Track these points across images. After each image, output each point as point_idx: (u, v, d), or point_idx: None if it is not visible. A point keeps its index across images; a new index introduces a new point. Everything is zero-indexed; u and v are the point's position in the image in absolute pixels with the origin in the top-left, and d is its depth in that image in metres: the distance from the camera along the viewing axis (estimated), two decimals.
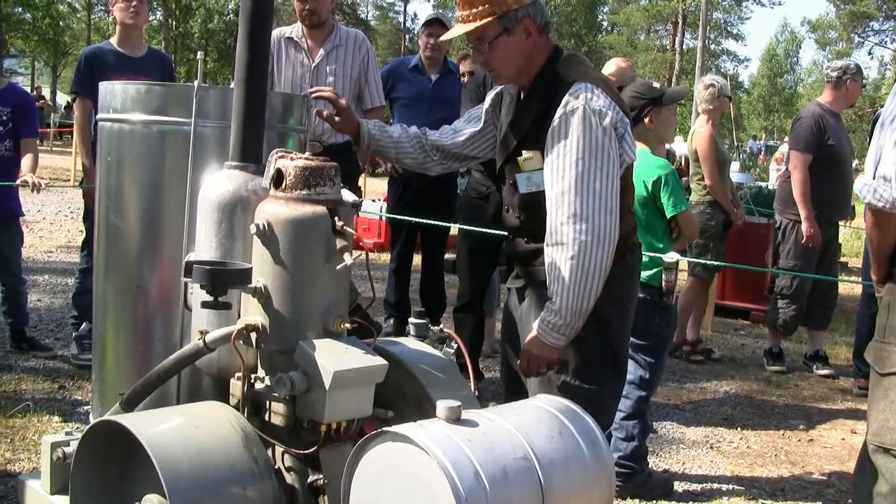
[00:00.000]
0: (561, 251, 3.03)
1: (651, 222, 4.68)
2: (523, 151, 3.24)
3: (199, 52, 3.39)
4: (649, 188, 4.62)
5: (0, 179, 6.06)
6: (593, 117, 3.03)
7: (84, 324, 6.26)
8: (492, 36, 3.20)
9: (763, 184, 13.20)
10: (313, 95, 3.49)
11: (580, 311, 3.07)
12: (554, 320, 3.09)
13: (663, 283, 4.50)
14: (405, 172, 6.36)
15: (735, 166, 14.17)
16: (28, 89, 41.21)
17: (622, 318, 3.35)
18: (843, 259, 12.98)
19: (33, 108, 6.51)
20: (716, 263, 7.46)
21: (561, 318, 3.08)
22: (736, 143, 28.42)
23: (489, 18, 3.16)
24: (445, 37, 3.61)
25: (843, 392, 7.18)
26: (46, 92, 49.46)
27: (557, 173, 3.04)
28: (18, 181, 5.91)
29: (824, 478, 5.28)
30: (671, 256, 4.50)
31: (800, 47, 73.24)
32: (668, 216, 4.64)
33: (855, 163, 8.11)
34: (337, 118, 3.47)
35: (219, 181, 2.88)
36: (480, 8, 3.16)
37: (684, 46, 51.00)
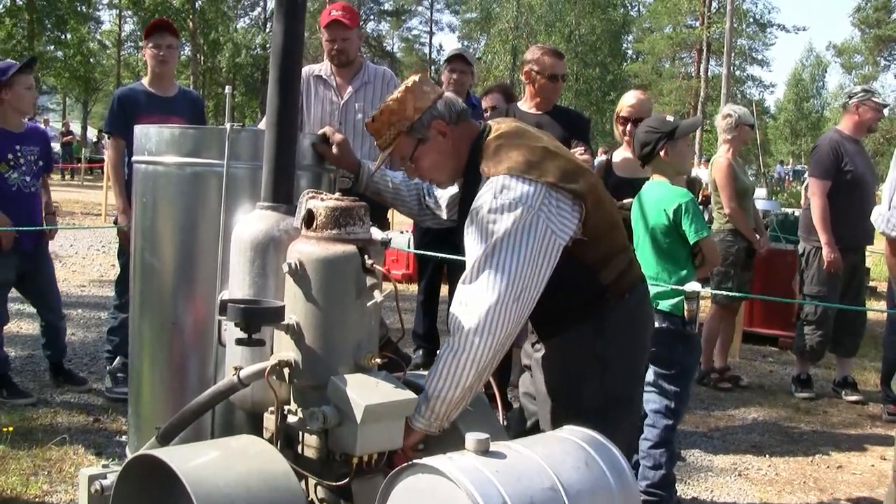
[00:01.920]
0: (449, 337, 2.94)
1: (674, 250, 4.71)
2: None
3: (227, 87, 3.44)
4: (671, 217, 4.66)
5: (30, 214, 6.23)
6: (497, 214, 2.91)
7: (118, 358, 6.35)
8: (409, 151, 3.20)
9: (789, 210, 13.18)
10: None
11: (446, 400, 2.89)
12: (420, 399, 2.89)
13: (686, 312, 4.53)
14: None
15: (761, 192, 14.15)
16: (58, 125, 41.75)
17: (625, 363, 3.24)
18: (872, 284, 12.92)
19: (50, 143, 6.67)
20: (730, 294, 7.44)
21: (426, 403, 2.91)
22: (763, 169, 28.38)
23: (398, 136, 3.17)
24: (376, 165, 3.48)
25: (872, 418, 7.15)
26: (76, 127, 49.95)
27: (467, 267, 2.96)
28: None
29: None
30: (692, 286, 4.53)
31: (826, 72, 72.91)
32: (692, 242, 4.68)
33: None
34: (334, 150, 3.43)
35: (251, 221, 2.96)
36: (388, 132, 3.17)
37: (709, 73, 50.87)
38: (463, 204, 3.19)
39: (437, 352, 2.98)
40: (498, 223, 2.90)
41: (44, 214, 6.41)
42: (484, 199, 2.96)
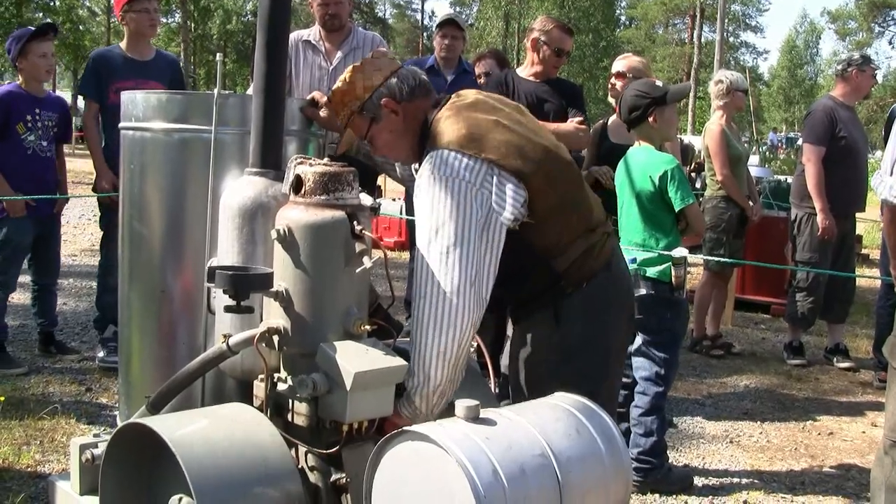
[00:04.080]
0: (412, 331, 2.88)
1: (659, 217, 4.71)
2: None
3: (218, 55, 3.42)
4: (656, 183, 4.66)
5: (44, 180, 6.26)
6: (436, 189, 2.85)
7: (109, 326, 6.34)
8: (364, 130, 3.15)
9: (782, 177, 13.18)
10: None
11: (425, 395, 2.85)
12: (405, 393, 2.89)
13: (673, 278, 4.53)
14: None
15: (755, 160, 14.14)
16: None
17: (591, 353, 3.12)
18: (864, 251, 12.94)
19: (70, 114, 6.66)
20: (722, 261, 7.45)
21: (406, 397, 2.88)
22: (756, 136, 28.36)
23: (352, 116, 3.13)
24: (339, 147, 3.43)
25: (863, 385, 7.17)
26: (67, 96, 49.69)
27: (416, 251, 2.89)
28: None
29: (844, 471, 5.28)
30: (679, 252, 4.53)
31: (820, 38, 72.76)
32: (677, 209, 4.67)
33: (878, 154, 8.07)
34: (323, 114, 3.40)
35: (239, 187, 2.94)
36: (343, 111, 3.13)
37: (703, 40, 50.79)
38: None
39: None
40: (437, 201, 2.83)
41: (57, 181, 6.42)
42: (422, 174, 2.90)
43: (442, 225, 2.81)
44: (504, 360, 4.14)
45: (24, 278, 6.72)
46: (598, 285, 3.11)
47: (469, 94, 3.17)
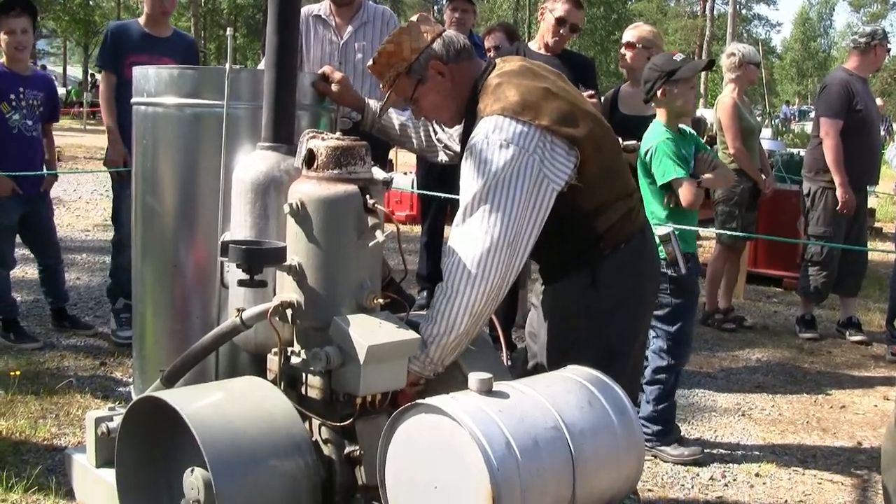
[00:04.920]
0: (443, 281, 2.90)
1: (652, 192, 4.74)
2: None
3: (228, 29, 3.41)
4: (645, 159, 4.70)
5: (30, 160, 6.23)
6: (489, 154, 2.87)
7: (119, 299, 6.34)
8: (409, 92, 3.16)
9: (795, 150, 13.12)
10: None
11: (440, 345, 2.88)
12: (423, 337, 2.90)
13: (666, 255, 4.53)
14: None
15: (767, 133, 14.07)
16: (59, 69, 41.48)
17: (622, 315, 3.19)
18: (877, 224, 12.90)
19: (57, 93, 6.64)
20: (735, 234, 7.44)
21: (421, 346, 2.87)
22: (768, 109, 28.22)
23: (398, 78, 3.14)
24: (382, 107, 3.45)
25: (876, 358, 7.17)
26: (77, 71, 49.73)
27: (459, 209, 2.93)
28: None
29: (856, 444, 5.29)
30: (663, 230, 4.52)
31: (833, 10, 72.34)
32: (658, 185, 4.68)
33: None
34: (334, 88, 3.40)
35: (252, 162, 2.95)
36: (388, 73, 3.14)
37: (715, 12, 50.46)
38: (464, 143, 3.14)
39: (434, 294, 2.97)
40: (490, 164, 2.86)
41: (45, 160, 6.41)
42: (476, 139, 2.92)
43: (491, 188, 2.85)
44: (519, 332, 4.14)
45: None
46: (633, 249, 3.19)
47: (515, 61, 3.20)
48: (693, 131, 5.02)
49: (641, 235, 3.26)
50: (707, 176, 4.78)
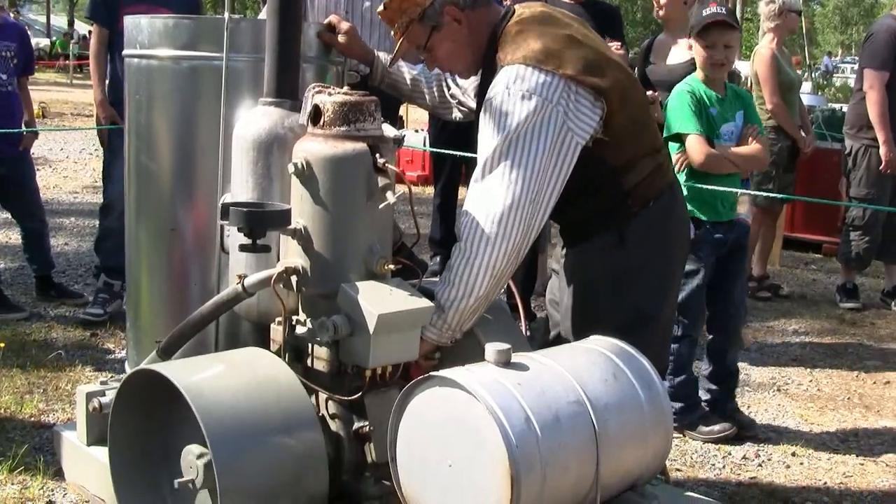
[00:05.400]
0: (460, 241, 2.94)
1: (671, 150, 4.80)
2: None
3: None
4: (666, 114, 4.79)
5: (7, 117, 6.25)
6: (510, 105, 2.89)
7: (101, 276, 6.32)
8: (423, 40, 3.16)
9: (837, 106, 13.05)
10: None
11: (459, 309, 2.91)
12: (440, 302, 2.93)
13: None
14: None
15: (807, 87, 13.99)
16: (43, 19, 41.38)
17: (651, 275, 3.21)
18: None
19: (31, 44, 6.63)
20: (771, 196, 7.41)
21: (437, 311, 2.90)
22: (808, 62, 28.01)
23: (410, 24, 3.14)
24: (392, 56, 3.43)
25: None
26: (61, 21, 49.61)
27: (478, 164, 2.94)
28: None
29: None
30: None
31: None
32: (664, 136, 4.72)
33: None
34: (341, 39, 3.39)
35: (254, 119, 2.96)
36: (400, 20, 3.15)
37: None
38: (480, 96, 3.16)
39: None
40: (511, 116, 2.87)
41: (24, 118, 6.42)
42: (497, 89, 2.93)
43: (513, 141, 2.87)
44: (538, 300, 4.15)
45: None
46: (662, 206, 3.21)
47: (536, 7, 3.20)
48: (749, 97, 4.96)
49: (671, 192, 3.28)
50: (735, 149, 4.79)
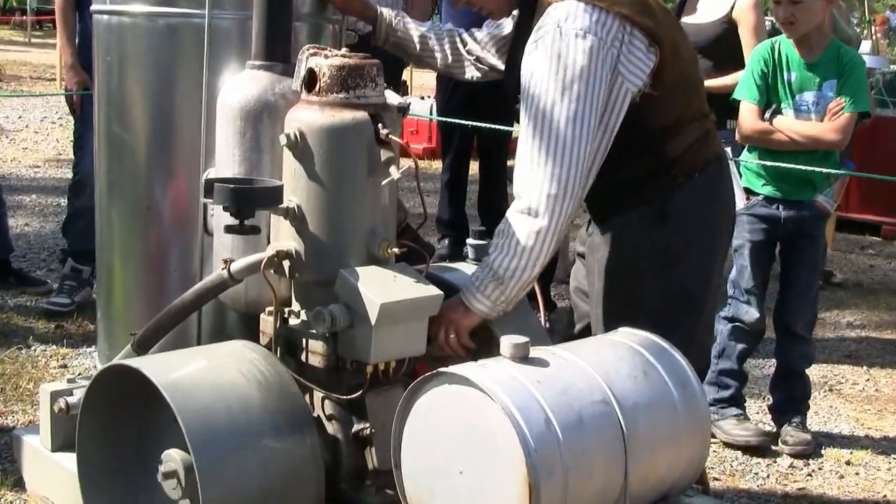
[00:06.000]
0: (515, 203, 2.97)
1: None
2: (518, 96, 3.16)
3: None
4: None
5: None
6: (563, 45, 2.90)
7: (68, 261, 6.33)
8: None
9: None
10: None
11: (521, 280, 2.95)
12: (482, 277, 2.98)
13: None
14: None
15: (866, 46, 13.91)
16: None
17: (697, 253, 3.25)
18: None
19: None
20: (820, 170, 7.40)
21: (494, 282, 2.96)
22: (867, 17, 27.86)
23: None
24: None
25: None
26: None
27: (524, 114, 2.97)
28: None
29: None
30: None
31: None
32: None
33: None
34: None
35: (240, 84, 2.96)
36: None
37: None
38: (516, 42, 3.18)
39: (500, 223, 3.00)
40: (564, 58, 2.90)
41: None
42: (546, 28, 2.95)
43: (567, 86, 2.90)
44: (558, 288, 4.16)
45: None
46: (709, 178, 3.25)
47: None
48: (852, 65, 4.89)
49: (718, 163, 3.32)
50: (794, 123, 4.81)
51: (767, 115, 4.79)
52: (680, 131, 3.17)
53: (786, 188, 4.83)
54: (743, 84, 4.79)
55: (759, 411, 5.23)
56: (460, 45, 3.59)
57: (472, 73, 3.66)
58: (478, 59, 3.60)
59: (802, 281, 4.97)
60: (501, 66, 3.51)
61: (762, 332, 5.02)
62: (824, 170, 4.83)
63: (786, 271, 4.95)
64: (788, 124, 4.78)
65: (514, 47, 3.24)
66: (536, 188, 2.90)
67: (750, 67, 4.80)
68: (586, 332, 3.38)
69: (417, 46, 3.59)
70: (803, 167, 4.76)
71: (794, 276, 4.93)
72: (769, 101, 4.82)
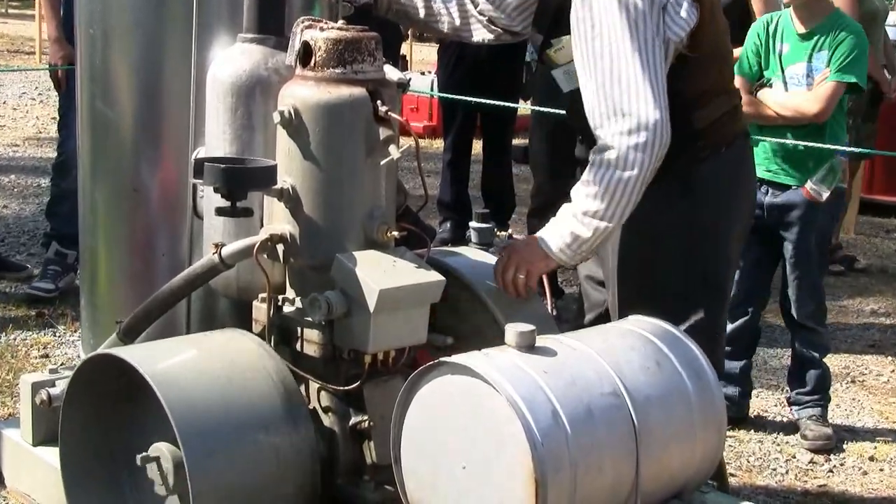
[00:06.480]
0: (602, 153, 2.99)
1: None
2: (552, 41, 3.21)
3: None
4: None
5: None
6: None
7: (52, 244, 6.32)
8: None
9: None
10: None
11: (606, 230, 2.99)
12: (567, 223, 3.01)
13: None
14: None
15: (893, 18, 13.86)
16: None
17: (719, 233, 3.27)
18: None
19: None
20: (846, 150, 7.39)
21: (577, 223, 2.98)
22: None
23: None
24: None
25: None
26: None
27: (588, 63, 3.00)
28: None
29: None
30: None
31: None
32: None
33: None
34: None
35: (232, 58, 2.96)
36: None
37: None
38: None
39: (587, 173, 3.02)
40: (627, 6, 2.92)
41: None
42: None
43: (624, 31, 2.93)
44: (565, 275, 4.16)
45: None
46: (735, 154, 3.30)
47: None
48: (848, 36, 4.88)
49: (744, 141, 3.37)
50: (769, 96, 4.85)
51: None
52: (708, 103, 3.20)
53: (774, 168, 4.84)
54: (741, 55, 4.82)
55: (776, 403, 5.23)
56: (471, 6, 3.56)
57: (482, 35, 3.61)
58: (491, 21, 3.55)
59: (798, 272, 4.98)
60: (517, 29, 3.50)
61: (752, 339, 5.13)
62: (811, 143, 4.82)
63: (785, 262, 4.95)
64: (771, 96, 4.80)
65: (541, 5, 3.28)
66: (628, 144, 2.93)
67: (747, 39, 4.82)
68: (597, 322, 3.37)
69: (422, 11, 3.55)
70: (782, 140, 4.79)
71: (790, 268, 4.94)
72: (762, 74, 4.86)
